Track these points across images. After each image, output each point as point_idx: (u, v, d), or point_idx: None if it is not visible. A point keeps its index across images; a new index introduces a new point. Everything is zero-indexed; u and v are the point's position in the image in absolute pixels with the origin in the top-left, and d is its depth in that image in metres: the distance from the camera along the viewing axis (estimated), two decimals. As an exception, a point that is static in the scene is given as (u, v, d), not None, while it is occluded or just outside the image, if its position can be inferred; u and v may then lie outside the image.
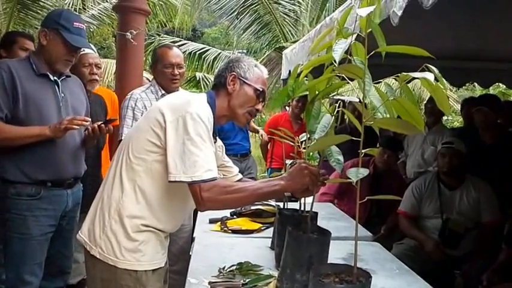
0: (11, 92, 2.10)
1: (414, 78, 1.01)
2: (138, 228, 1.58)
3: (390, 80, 1.12)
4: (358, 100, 1.22)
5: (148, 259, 1.60)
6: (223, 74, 1.72)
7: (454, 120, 12.39)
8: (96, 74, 3.04)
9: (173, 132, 1.51)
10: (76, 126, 2.16)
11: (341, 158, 1.38)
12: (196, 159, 1.48)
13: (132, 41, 3.82)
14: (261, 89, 1.71)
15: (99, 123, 2.30)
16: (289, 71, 3.85)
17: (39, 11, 8.67)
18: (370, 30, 1.12)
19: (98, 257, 1.58)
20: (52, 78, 2.25)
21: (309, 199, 1.63)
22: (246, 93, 1.69)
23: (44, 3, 8.62)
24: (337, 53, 1.05)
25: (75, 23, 2.22)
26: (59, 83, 2.28)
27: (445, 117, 6.11)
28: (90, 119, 2.31)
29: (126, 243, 1.56)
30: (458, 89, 11.59)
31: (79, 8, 8.80)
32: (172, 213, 1.67)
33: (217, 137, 1.78)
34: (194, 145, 1.48)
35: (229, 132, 4.23)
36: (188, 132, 1.49)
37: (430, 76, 0.96)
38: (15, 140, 2.12)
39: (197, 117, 1.51)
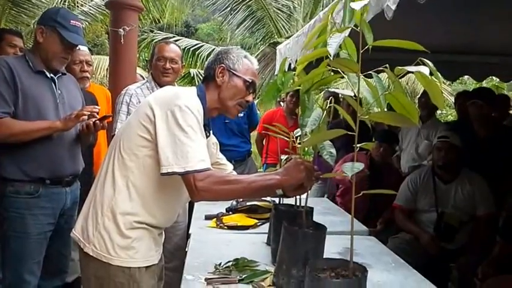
0: (14, 88, 2.10)
1: (408, 72, 1.00)
2: (131, 225, 1.57)
3: (383, 74, 1.12)
4: (352, 94, 1.22)
5: (141, 256, 1.60)
6: (212, 66, 1.71)
7: (448, 113, 12.43)
8: (86, 71, 3.03)
9: (163, 125, 1.50)
10: (87, 112, 2.18)
11: (333, 150, 1.39)
12: (188, 149, 1.47)
13: (122, 38, 3.80)
14: (250, 80, 1.70)
15: (94, 119, 2.29)
16: (284, 66, 3.83)
17: (31, 9, 8.61)
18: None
19: (91, 254, 1.57)
20: (48, 75, 2.25)
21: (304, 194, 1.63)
22: (236, 85, 1.69)
23: (36, 0, 8.57)
24: (332, 47, 1.04)
25: (72, 21, 2.23)
26: (56, 80, 2.27)
27: (439, 111, 6.13)
28: (99, 107, 2.33)
29: (119, 240, 1.56)
30: (452, 83, 11.63)
31: (71, 5, 8.74)
32: (166, 207, 1.66)
33: (210, 131, 1.77)
34: (185, 136, 1.48)
35: (219, 134, 3.74)
36: (178, 123, 1.49)
37: (425, 70, 0.96)
38: (25, 135, 2.11)
39: (186, 109, 1.51)
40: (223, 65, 1.69)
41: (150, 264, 1.64)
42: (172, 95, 1.57)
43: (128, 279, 1.57)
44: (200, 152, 1.49)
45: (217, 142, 1.95)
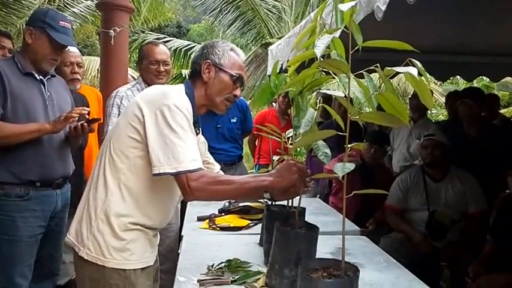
0: (2, 90, 2.09)
1: (398, 72, 1.01)
2: (125, 227, 1.56)
3: (374, 74, 1.12)
4: (343, 95, 1.22)
5: (137, 258, 1.59)
6: (198, 62, 1.69)
7: (439, 113, 12.52)
8: (77, 73, 3.02)
9: (152, 125, 1.49)
10: (75, 114, 2.17)
11: (328, 151, 1.39)
12: (179, 149, 1.46)
13: (113, 39, 3.77)
14: (237, 75, 1.67)
15: (82, 122, 2.28)
16: (275, 67, 3.84)
17: (20, 10, 8.54)
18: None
19: (86, 258, 1.56)
20: (38, 77, 2.23)
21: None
22: (222, 80, 1.66)
23: (25, 1, 8.50)
24: (319, 49, 1.05)
25: (61, 22, 2.22)
26: (45, 82, 2.26)
27: (429, 110, 6.17)
28: (89, 109, 2.32)
29: (114, 243, 1.55)
30: (443, 83, 11.72)
31: (61, 6, 8.69)
32: (160, 208, 1.66)
33: (200, 128, 1.76)
34: (176, 136, 1.47)
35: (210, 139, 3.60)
36: (168, 123, 1.48)
37: (413, 71, 0.96)
38: (14, 137, 2.10)
39: (175, 108, 1.50)
40: (209, 60, 1.66)
41: (145, 266, 1.64)
42: (161, 94, 1.56)
43: (123, 281, 1.56)
44: (191, 152, 1.49)
45: (206, 141, 1.94)
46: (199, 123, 1.73)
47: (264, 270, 1.66)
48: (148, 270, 1.67)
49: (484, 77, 6.80)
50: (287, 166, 1.54)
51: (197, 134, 1.69)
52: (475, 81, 8.47)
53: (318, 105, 1.52)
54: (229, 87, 1.68)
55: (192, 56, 10.71)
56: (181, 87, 1.66)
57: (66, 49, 2.45)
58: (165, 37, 11.39)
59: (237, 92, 1.70)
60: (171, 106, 1.50)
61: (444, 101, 5.70)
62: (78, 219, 1.62)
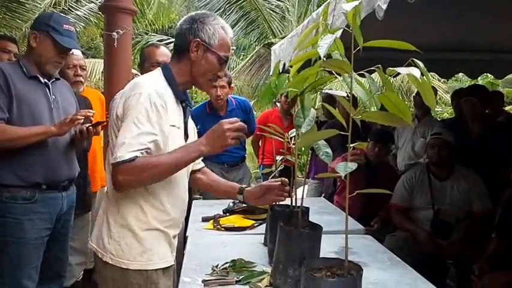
0: (8, 94, 2.10)
1: (400, 73, 1.00)
2: (146, 227, 1.58)
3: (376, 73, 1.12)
4: (346, 95, 1.22)
5: (158, 258, 1.61)
6: (187, 36, 1.62)
7: (443, 111, 12.47)
8: (80, 75, 3.03)
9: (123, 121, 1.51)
10: (81, 117, 2.18)
11: (329, 150, 1.39)
12: (124, 140, 1.45)
13: (116, 41, 3.78)
14: (225, 58, 1.64)
15: (87, 125, 2.29)
16: (279, 67, 3.84)
17: (25, 13, 8.59)
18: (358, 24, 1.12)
19: (110, 262, 1.58)
20: (42, 80, 2.25)
21: (300, 194, 1.63)
22: (210, 61, 1.62)
23: (30, 4, 8.55)
24: (322, 48, 1.05)
25: (65, 25, 2.24)
26: (50, 85, 2.28)
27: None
28: (94, 111, 2.34)
29: (136, 245, 1.57)
30: (447, 80, 11.67)
31: (65, 9, 8.72)
32: (173, 199, 1.65)
33: (190, 106, 1.74)
34: (125, 127, 1.47)
35: None
36: (128, 116, 1.48)
37: (415, 71, 0.96)
38: (20, 140, 2.11)
39: (134, 101, 1.49)
40: (198, 39, 1.60)
41: (167, 266, 1.65)
42: (130, 88, 1.55)
43: (145, 280, 1.58)
44: (133, 143, 1.45)
45: (195, 127, 1.88)
46: (188, 100, 1.72)
47: (269, 270, 1.67)
48: (169, 270, 1.69)
49: (488, 74, 6.76)
50: (215, 126, 1.55)
51: (190, 108, 1.71)
52: (479, 78, 8.43)
53: (316, 105, 1.50)
54: (215, 69, 1.64)
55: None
56: (157, 73, 1.65)
57: (70, 52, 2.46)
58: (169, 38, 11.37)
59: (221, 72, 1.71)
60: (131, 99, 1.49)
61: (449, 98, 5.68)
62: (98, 226, 1.64)
